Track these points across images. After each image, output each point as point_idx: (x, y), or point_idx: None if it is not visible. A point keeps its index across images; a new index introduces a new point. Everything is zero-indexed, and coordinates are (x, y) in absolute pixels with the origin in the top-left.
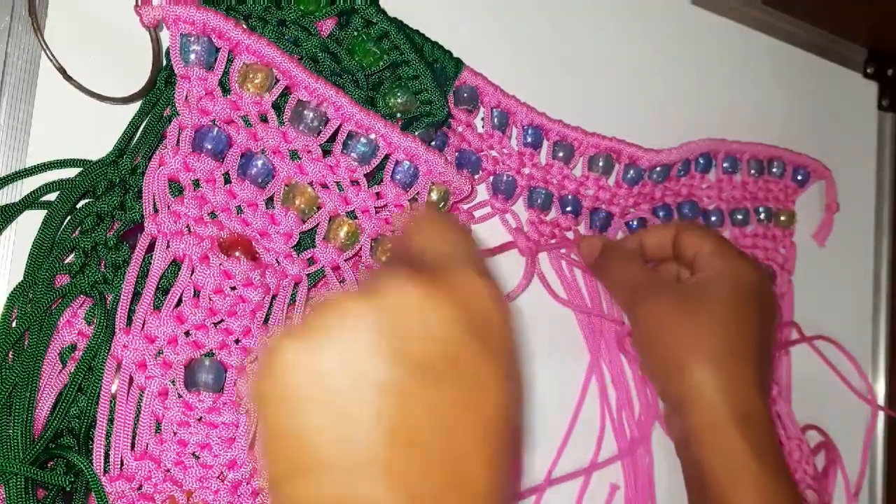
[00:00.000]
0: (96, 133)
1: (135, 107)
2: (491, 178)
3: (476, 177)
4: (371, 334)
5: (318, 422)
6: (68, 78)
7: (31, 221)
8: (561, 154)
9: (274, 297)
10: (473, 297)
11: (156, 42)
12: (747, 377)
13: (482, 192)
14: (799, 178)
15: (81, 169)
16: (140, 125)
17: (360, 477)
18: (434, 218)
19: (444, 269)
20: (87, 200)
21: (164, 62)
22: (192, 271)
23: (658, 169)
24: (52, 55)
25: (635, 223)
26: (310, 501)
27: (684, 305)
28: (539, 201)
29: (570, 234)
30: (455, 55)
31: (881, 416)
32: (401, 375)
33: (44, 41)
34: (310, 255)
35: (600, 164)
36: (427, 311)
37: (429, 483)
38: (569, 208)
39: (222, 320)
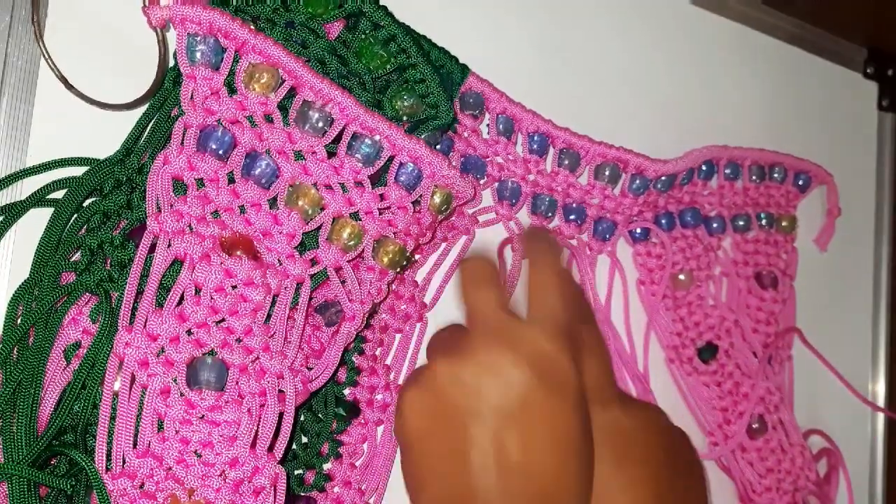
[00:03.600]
0: (97, 132)
1: (138, 110)
2: (496, 183)
3: (482, 182)
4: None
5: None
6: (70, 87)
7: (32, 220)
8: (567, 162)
9: (276, 297)
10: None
11: (162, 43)
12: None
13: (487, 198)
14: (800, 183)
15: (88, 167)
16: (148, 124)
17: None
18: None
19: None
20: (93, 199)
21: (172, 63)
22: (193, 270)
23: (663, 178)
24: (54, 64)
25: (638, 232)
26: None
27: None
28: (542, 208)
29: (573, 243)
30: (460, 61)
31: (881, 418)
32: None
33: (46, 50)
34: (312, 256)
35: (606, 173)
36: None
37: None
38: (573, 216)
39: (224, 319)
